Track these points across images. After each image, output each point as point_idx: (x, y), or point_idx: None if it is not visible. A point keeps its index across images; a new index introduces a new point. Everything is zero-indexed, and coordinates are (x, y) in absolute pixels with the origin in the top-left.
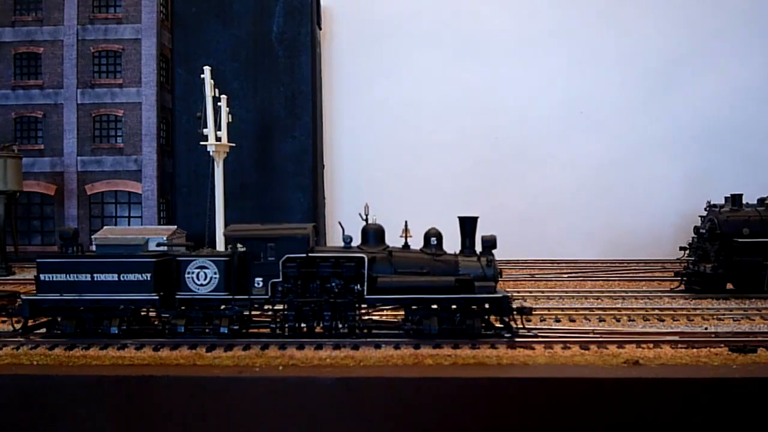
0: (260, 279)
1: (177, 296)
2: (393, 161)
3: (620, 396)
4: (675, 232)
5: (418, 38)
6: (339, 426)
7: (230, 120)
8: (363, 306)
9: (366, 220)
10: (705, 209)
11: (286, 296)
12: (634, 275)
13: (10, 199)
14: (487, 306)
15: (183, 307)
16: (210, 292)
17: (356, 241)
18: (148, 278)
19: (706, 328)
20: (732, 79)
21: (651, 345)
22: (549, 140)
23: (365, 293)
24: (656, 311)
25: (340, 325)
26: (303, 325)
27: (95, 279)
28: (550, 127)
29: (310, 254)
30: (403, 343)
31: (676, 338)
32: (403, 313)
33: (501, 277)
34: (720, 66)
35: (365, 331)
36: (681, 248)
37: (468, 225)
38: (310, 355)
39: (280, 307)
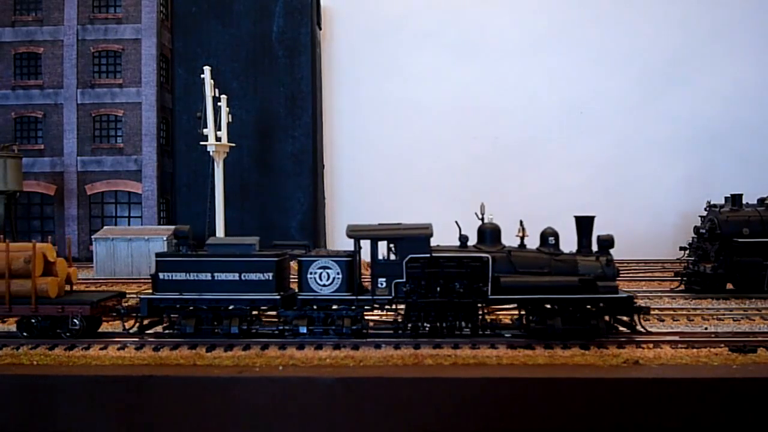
0: (383, 279)
1: (299, 297)
2: (393, 161)
3: (620, 396)
4: (675, 232)
5: (418, 38)
6: (339, 426)
7: (230, 120)
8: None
9: (482, 219)
10: (705, 209)
11: (410, 296)
12: (634, 275)
13: (10, 199)
14: (601, 305)
15: (295, 307)
16: (333, 292)
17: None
18: (270, 278)
19: (706, 328)
20: (731, 80)
21: (651, 345)
22: (549, 140)
23: (489, 293)
24: (656, 311)
25: (463, 325)
26: (426, 324)
27: (215, 278)
28: (550, 127)
29: (434, 254)
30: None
31: (676, 338)
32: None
33: (619, 276)
34: (719, 66)
35: (488, 331)
36: (681, 248)
37: (585, 224)
38: (310, 355)
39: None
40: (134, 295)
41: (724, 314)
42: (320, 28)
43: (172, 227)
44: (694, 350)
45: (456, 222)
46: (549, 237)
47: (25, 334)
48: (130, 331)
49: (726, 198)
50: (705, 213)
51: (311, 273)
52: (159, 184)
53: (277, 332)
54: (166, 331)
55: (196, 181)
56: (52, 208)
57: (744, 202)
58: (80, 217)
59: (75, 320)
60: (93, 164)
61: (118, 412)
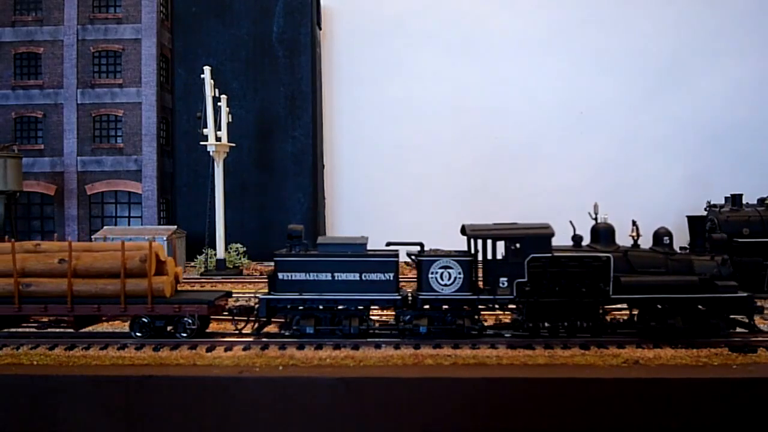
0: (505, 279)
1: (420, 296)
2: (393, 161)
3: (620, 396)
4: (675, 232)
5: (418, 38)
6: (339, 426)
7: (230, 120)
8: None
9: (596, 219)
10: (705, 209)
11: (532, 296)
12: None
13: (10, 199)
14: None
15: (404, 308)
16: (454, 292)
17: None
18: (391, 278)
19: None
20: (732, 79)
21: (651, 345)
22: (549, 140)
23: (611, 292)
24: None
25: (584, 325)
26: (547, 324)
27: (336, 278)
28: (550, 127)
29: (555, 254)
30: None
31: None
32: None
33: None
34: (720, 66)
35: (609, 330)
36: (681, 248)
37: (698, 224)
38: (310, 355)
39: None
40: None
41: None
42: (320, 28)
43: (173, 227)
44: (694, 350)
45: (570, 222)
46: (663, 237)
47: (138, 334)
48: (243, 331)
49: (726, 198)
50: (705, 213)
51: (432, 273)
52: (159, 184)
53: (396, 332)
54: (285, 332)
55: (196, 181)
56: (52, 208)
57: (744, 202)
58: (80, 217)
59: (188, 320)
60: (93, 164)
61: (118, 412)
